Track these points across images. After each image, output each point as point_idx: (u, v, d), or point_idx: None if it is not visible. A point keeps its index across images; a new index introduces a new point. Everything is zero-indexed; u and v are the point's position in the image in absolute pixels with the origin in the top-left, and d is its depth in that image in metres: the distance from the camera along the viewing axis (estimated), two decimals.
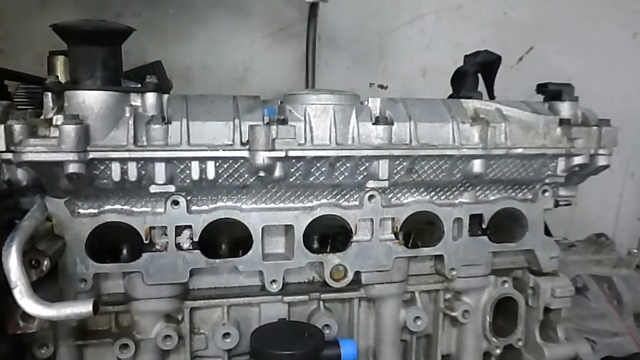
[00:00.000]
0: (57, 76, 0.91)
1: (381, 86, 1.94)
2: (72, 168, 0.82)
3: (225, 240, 1.04)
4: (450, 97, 1.27)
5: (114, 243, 0.99)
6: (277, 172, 0.92)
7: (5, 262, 0.74)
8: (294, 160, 0.92)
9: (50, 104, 0.89)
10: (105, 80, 0.87)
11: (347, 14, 1.85)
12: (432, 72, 1.96)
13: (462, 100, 1.07)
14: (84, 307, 0.74)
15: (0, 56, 1.64)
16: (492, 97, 1.24)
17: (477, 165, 1.01)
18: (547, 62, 1.99)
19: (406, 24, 1.94)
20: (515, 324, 1.14)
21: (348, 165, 0.96)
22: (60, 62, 1.01)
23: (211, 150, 0.89)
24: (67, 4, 1.65)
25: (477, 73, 1.24)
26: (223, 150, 0.89)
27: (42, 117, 0.89)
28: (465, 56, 1.26)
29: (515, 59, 2.01)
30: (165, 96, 0.92)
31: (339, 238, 1.07)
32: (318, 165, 0.94)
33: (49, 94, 0.88)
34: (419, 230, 1.11)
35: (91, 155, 0.84)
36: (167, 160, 0.88)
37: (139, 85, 0.90)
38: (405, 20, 1.93)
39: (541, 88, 1.13)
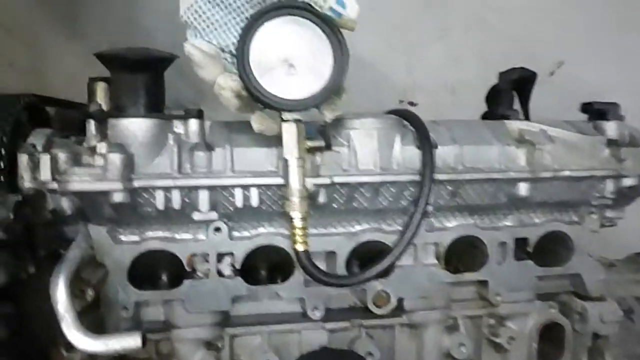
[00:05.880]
0: (100, 104, 0.90)
1: (411, 103, 1.92)
2: (117, 197, 0.82)
3: (263, 265, 1.03)
4: (485, 114, 1.25)
5: (152, 269, 0.98)
6: (321, 199, 0.91)
7: (53, 294, 0.73)
8: (337, 186, 0.91)
9: (93, 132, 0.88)
10: (149, 108, 0.87)
11: (373, 30, 1.85)
12: (461, 87, 1.94)
13: (506, 121, 1.04)
14: (132, 340, 0.73)
15: (32, 77, 1.66)
16: (527, 115, 1.22)
17: (523, 189, 0.99)
18: (579, 75, 1.97)
19: (433, 39, 1.92)
20: (562, 350, 1.11)
21: (393, 190, 0.94)
22: (100, 88, 1.00)
23: (255, 177, 0.88)
24: (97, 25, 1.67)
25: (512, 90, 1.22)
26: (267, 177, 0.88)
27: (84, 144, 0.88)
28: (500, 73, 1.24)
29: (545, 73, 1.98)
30: (208, 123, 0.91)
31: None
32: (362, 190, 0.93)
33: (92, 121, 0.88)
34: (460, 254, 1.09)
35: (136, 183, 0.84)
36: (210, 188, 0.88)
37: (182, 112, 0.89)
38: (432, 36, 1.92)
39: (585, 107, 1.10)
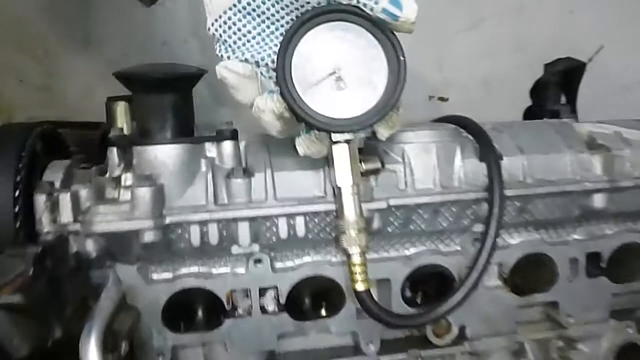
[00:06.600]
0: (122, 129, 0.80)
1: (442, 98, 1.81)
2: (147, 237, 0.72)
3: (307, 293, 0.93)
4: (530, 110, 1.15)
5: (188, 308, 0.89)
6: (376, 224, 0.80)
7: (84, 357, 0.63)
8: (393, 209, 0.81)
9: (116, 160, 0.78)
10: (178, 131, 0.77)
11: None
12: (495, 81, 1.82)
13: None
14: None
15: (47, 94, 1.58)
16: (574, 109, 1.12)
17: (599, 200, 0.88)
18: (619, 61, 1.84)
19: (464, 30, 1.81)
20: None
21: (454, 209, 0.84)
22: (120, 108, 0.91)
23: (301, 204, 0.78)
24: (110, 35, 1.58)
25: (559, 83, 1.12)
26: (314, 203, 0.78)
27: (107, 175, 0.79)
28: (546, 65, 1.14)
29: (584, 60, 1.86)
30: (243, 143, 0.81)
31: (432, 283, 0.95)
32: (420, 212, 0.83)
33: (114, 149, 0.78)
34: (522, 271, 0.98)
35: (168, 219, 0.74)
36: (251, 219, 0.78)
37: (214, 134, 0.79)
38: (463, 26, 1.80)
39: None
